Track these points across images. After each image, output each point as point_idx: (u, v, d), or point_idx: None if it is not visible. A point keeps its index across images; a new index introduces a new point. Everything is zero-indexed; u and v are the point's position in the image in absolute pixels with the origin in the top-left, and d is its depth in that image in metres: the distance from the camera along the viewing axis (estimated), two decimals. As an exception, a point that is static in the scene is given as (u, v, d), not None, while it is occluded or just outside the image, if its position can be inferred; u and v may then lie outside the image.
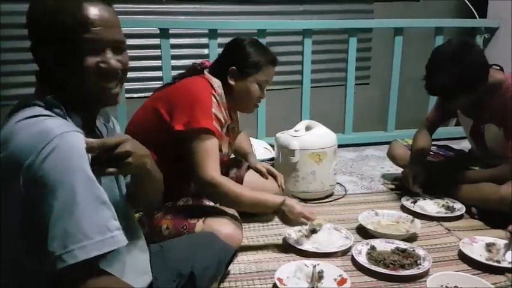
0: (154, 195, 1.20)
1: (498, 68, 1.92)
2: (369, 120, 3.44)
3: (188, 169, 1.56)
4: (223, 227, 1.54)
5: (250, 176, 1.88)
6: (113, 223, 0.86)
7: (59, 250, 0.80)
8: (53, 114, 0.90)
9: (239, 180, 1.84)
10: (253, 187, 1.80)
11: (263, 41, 2.80)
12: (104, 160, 0.89)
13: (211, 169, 1.54)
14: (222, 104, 1.67)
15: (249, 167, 1.91)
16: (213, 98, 1.62)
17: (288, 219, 1.62)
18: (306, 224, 1.67)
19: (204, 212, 1.62)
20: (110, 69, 0.94)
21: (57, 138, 0.83)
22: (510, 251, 1.59)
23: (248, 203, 1.59)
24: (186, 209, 1.64)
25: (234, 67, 1.69)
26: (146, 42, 3.26)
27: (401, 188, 2.23)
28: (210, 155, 1.55)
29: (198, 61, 1.82)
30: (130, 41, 3.12)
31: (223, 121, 1.66)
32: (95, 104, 1.00)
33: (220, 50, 1.84)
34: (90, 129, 1.00)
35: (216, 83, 1.68)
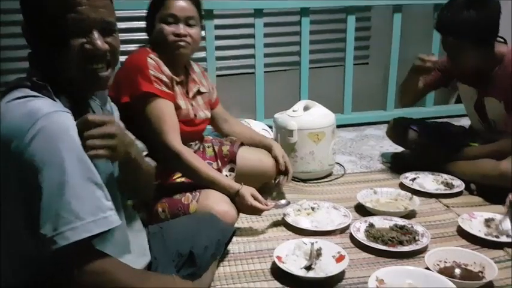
0: (144, 187, 1.19)
1: (502, 40, 1.89)
2: (368, 99, 3.42)
3: None
4: (217, 205, 1.54)
5: (243, 151, 1.86)
6: (105, 203, 0.86)
7: (50, 232, 0.80)
8: (41, 95, 0.88)
9: (232, 156, 1.82)
10: (247, 162, 1.82)
11: (260, 21, 2.78)
12: (85, 137, 0.86)
13: (169, 137, 1.54)
14: (159, 63, 1.59)
15: (242, 144, 1.89)
16: (149, 60, 1.57)
17: (241, 209, 1.63)
18: (260, 215, 1.68)
19: (196, 189, 1.61)
20: (95, 51, 0.92)
21: (43, 118, 0.82)
22: (508, 219, 1.58)
23: (204, 179, 1.57)
24: (179, 188, 1.63)
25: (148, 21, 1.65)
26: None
27: (399, 166, 2.23)
28: (163, 120, 1.54)
29: None
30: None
31: (166, 80, 1.59)
32: (82, 86, 0.97)
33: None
34: (82, 111, 0.98)
35: (149, 45, 1.65)
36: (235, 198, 1.61)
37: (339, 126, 2.97)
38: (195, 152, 1.74)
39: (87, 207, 0.82)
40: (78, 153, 0.83)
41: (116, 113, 1.18)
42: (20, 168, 0.82)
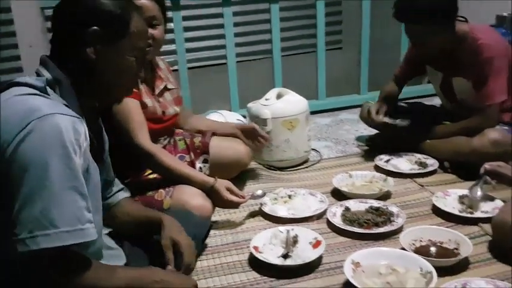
0: None
1: (463, 19, 1.90)
2: (343, 84, 3.42)
3: None
4: (192, 199, 1.52)
5: (215, 141, 1.84)
6: (85, 215, 0.84)
7: (24, 234, 0.78)
8: (44, 94, 0.87)
9: (205, 147, 1.80)
10: (221, 151, 1.79)
11: (228, 10, 2.74)
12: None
13: (138, 136, 1.51)
14: None
15: (213, 134, 1.87)
16: None
17: (216, 204, 1.62)
18: (237, 208, 1.67)
19: (170, 184, 1.58)
20: (139, 76, 1.02)
21: (40, 119, 0.80)
22: (479, 188, 1.60)
23: (177, 177, 1.55)
24: (151, 184, 1.60)
25: None
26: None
27: (375, 148, 2.24)
28: (131, 119, 1.51)
29: None
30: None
31: None
32: (107, 98, 1.02)
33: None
34: (92, 120, 0.98)
35: None
36: (210, 193, 1.58)
37: (314, 113, 2.98)
38: (165, 146, 1.71)
39: (65, 216, 0.80)
40: (66, 160, 0.81)
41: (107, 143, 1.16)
42: (6, 163, 0.80)
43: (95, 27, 0.90)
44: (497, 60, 1.82)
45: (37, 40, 2.74)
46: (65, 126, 0.81)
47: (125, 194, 1.26)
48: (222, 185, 1.59)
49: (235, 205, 1.63)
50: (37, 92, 0.86)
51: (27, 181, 0.78)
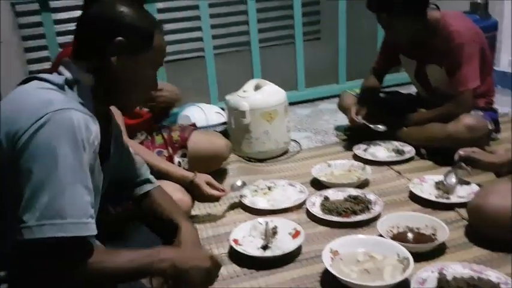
0: None
1: (435, 6, 1.92)
2: (323, 74, 3.42)
3: None
4: (170, 194, 1.49)
5: (194, 135, 1.82)
6: (89, 210, 0.85)
7: (31, 221, 0.80)
8: (60, 90, 0.90)
9: (183, 141, 1.78)
10: (199, 145, 1.78)
11: (204, 1, 2.70)
12: None
13: None
14: None
15: (193, 130, 1.85)
16: None
17: (197, 198, 1.61)
18: (218, 201, 1.66)
19: None
20: (154, 88, 1.05)
21: (56, 112, 0.82)
22: (454, 175, 1.63)
23: (156, 173, 1.47)
24: None
25: None
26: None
27: (354, 137, 2.25)
28: None
29: None
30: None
31: None
32: (120, 106, 1.04)
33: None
34: (102, 125, 0.96)
35: None
36: (189, 188, 1.57)
37: (294, 104, 2.98)
38: (142, 142, 1.69)
39: (73, 208, 0.82)
40: (76, 154, 0.83)
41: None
42: (18, 151, 0.82)
43: (121, 38, 0.94)
44: (468, 47, 1.85)
45: (8, 36, 2.67)
46: (77, 122, 0.84)
47: (150, 186, 1.26)
48: (202, 179, 1.58)
49: (215, 199, 1.62)
50: (55, 87, 0.89)
51: (37, 171, 0.80)
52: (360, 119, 2.09)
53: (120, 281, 0.95)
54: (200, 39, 2.82)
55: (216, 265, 1.04)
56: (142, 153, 1.52)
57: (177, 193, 1.52)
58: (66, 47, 1.59)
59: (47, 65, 2.71)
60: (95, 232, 0.86)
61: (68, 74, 0.93)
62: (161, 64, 1.04)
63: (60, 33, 2.64)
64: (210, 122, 2.33)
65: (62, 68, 0.95)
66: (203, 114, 2.34)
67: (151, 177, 1.27)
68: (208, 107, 2.47)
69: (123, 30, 0.94)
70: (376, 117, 2.12)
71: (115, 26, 0.94)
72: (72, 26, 2.92)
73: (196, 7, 2.76)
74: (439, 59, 1.93)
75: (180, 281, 0.98)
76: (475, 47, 1.86)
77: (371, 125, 2.08)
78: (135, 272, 0.92)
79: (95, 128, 0.89)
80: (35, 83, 0.91)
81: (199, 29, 2.80)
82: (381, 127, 2.09)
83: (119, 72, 0.95)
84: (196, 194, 1.58)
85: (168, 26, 3.19)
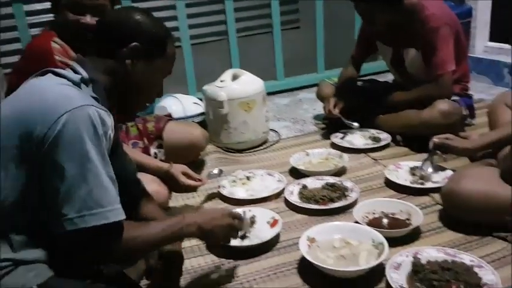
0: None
1: None
2: (302, 63, 3.42)
3: None
4: (146, 185, 1.46)
5: (170, 126, 1.81)
6: (118, 196, 0.92)
7: (72, 213, 0.85)
8: (77, 87, 0.94)
9: (158, 132, 1.76)
10: (175, 136, 1.76)
11: (180, -9, 2.67)
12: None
13: None
14: (65, 47, 1.46)
15: (168, 120, 1.83)
16: (53, 44, 1.44)
17: (174, 189, 1.60)
18: (195, 191, 1.65)
19: None
20: (159, 95, 1.12)
21: (79, 108, 0.87)
22: (430, 162, 1.65)
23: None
24: None
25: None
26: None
27: (332, 125, 2.26)
28: None
29: None
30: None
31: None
32: (127, 108, 1.08)
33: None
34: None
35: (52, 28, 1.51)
36: (166, 179, 1.55)
37: (273, 93, 2.98)
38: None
39: (107, 196, 0.88)
40: (100, 148, 0.89)
41: None
42: (44, 147, 0.85)
43: (137, 43, 1.00)
44: (443, 30, 1.86)
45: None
46: (97, 117, 0.89)
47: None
48: (178, 169, 1.57)
49: (192, 189, 1.60)
50: (70, 84, 0.94)
51: (70, 166, 0.85)
52: (336, 112, 2.09)
53: (156, 248, 1.12)
54: (176, 29, 2.78)
55: (236, 219, 1.15)
56: None
57: (152, 184, 1.50)
58: (34, 39, 1.55)
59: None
60: (124, 216, 0.93)
61: (84, 73, 0.97)
62: (170, 72, 1.10)
63: (32, 25, 2.57)
64: (188, 112, 2.31)
65: (77, 66, 0.99)
66: (180, 105, 2.32)
67: (138, 178, 1.25)
68: (186, 98, 2.45)
69: (139, 36, 1.00)
70: (353, 110, 2.13)
71: (132, 32, 1.01)
72: (44, 18, 2.88)
73: (172, -4, 2.71)
74: (415, 43, 1.95)
75: (208, 239, 1.19)
76: (450, 30, 1.88)
77: (346, 121, 2.10)
78: (169, 238, 1.03)
79: (110, 122, 0.94)
80: (51, 77, 0.96)
81: (175, 18, 2.76)
82: (355, 124, 2.11)
83: (132, 75, 1.01)
84: (173, 184, 1.56)
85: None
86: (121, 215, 0.91)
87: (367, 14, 1.92)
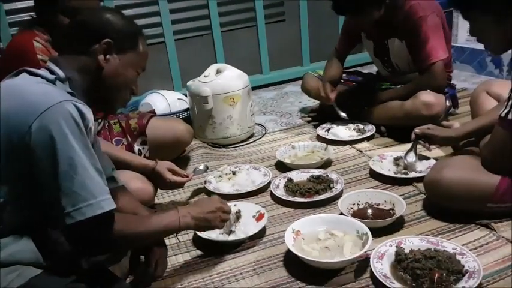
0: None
1: None
2: (288, 56, 3.42)
3: None
4: (130, 183, 1.45)
5: (155, 123, 1.79)
6: (107, 187, 0.95)
7: (68, 208, 0.88)
8: (51, 84, 0.96)
9: (142, 128, 1.75)
10: (158, 132, 1.75)
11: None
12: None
13: None
14: (47, 46, 1.48)
15: (152, 116, 1.82)
16: (35, 43, 1.45)
17: (160, 186, 1.60)
18: (182, 187, 1.66)
19: None
20: (134, 93, 1.14)
21: (59, 104, 0.88)
22: (413, 153, 1.66)
23: (116, 163, 1.46)
24: None
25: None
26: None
27: (317, 118, 2.27)
28: None
29: None
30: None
31: None
32: (102, 104, 1.10)
33: None
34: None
35: (37, 27, 1.52)
36: (151, 176, 1.55)
37: (259, 87, 2.98)
38: (99, 131, 1.65)
39: (98, 187, 0.92)
40: (84, 141, 0.92)
41: None
42: (26, 145, 0.87)
43: (109, 39, 1.03)
44: (431, 18, 1.87)
45: None
46: (76, 111, 0.91)
47: (113, 185, 1.25)
48: (164, 166, 1.56)
49: (179, 185, 1.60)
50: (45, 82, 0.96)
51: (59, 162, 0.87)
52: (333, 97, 2.09)
53: (154, 240, 1.17)
54: (159, 24, 2.76)
55: (224, 203, 1.25)
56: (102, 146, 1.49)
57: (137, 182, 1.50)
58: (15, 37, 1.53)
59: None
60: (114, 205, 0.96)
61: (60, 72, 0.99)
62: (144, 68, 1.13)
63: (12, 24, 2.53)
64: (173, 109, 2.29)
65: (51, 65, 1.01)
66: (165, 102, 2.30)
67: (115, 175, 1.26)
68: (171, 94, 2.43)
69: (110, 32, 1.04)
70: (342, 105, 2.15)
71: (103, 28, 1.04)
72: (24, 16, 2.83)
73: (154, -9, 2.68)
74: (400, 34, 1.96)
75: (203, 229, 1.26)
76: (437, 18, 1.89)
77: (337, 108, 2.11)
78: (168, 229, 1.11)
79: (90, 115, 0.96)
80: (26, 77, 0.98)
81: (157, 14, 2.73)
82: (343, 114, 2.12)
83: (105, 71, 1.04)
84: (159, 181, 1.56)
85: (125, 12, 3.09)
86: (113, 204, 0.94)
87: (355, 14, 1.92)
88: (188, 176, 1.61)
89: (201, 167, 1.73)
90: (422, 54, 1.89)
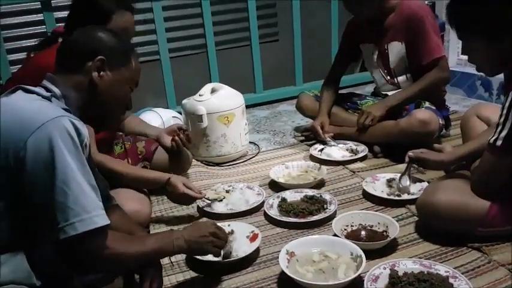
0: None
1: None
2: (282, 76, 3.45)
3: None
4: (126, 204, 1.45)
5: (161, 154, 1.82)
6: (101, 203, 0.96)
7: (61, 223, 0.89)
8: (50, 100, 0.99)
9: (148, 154, 1.78)
10: (165, 165, 1.79)
11: (158, 4, 2.67)
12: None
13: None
14: None
15: (158, 145, 1.84)
16: None
17: (172, 198, 1.62)
18: (192, 204, 1.68)
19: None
20: (128, 108, 1.17)
21: (54, 120, 0.90)
22: (406, 176, 1.68)
23: (131, 180, 1.55)
24: None
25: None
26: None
27: (311, 138, 2.28)
28: None
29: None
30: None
31: None
32: (97, 121, 1.13)
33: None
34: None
35: None
36: (166, 187, 1.58)
37: (252, 106, 2.99)
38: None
39: (91, 203, 0.93)
40: (79, 157, 0.93)
41: None
42: (21, 161, 0.88)
43: (102, 57, 1.06)
44: (428, 19, 1.96)
45: None
46: (71, 127, 0.93)
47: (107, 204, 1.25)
48: (179, 179, 1.61)
49: (189, 200, 1.62)
50: (41, 99, 0.98)
51: (52, 176, 0.88)
52: (326, 136, 2.14)
53: (147, 261, 1.15)
54: (155, 42, 2.78)
55: (219, 228, 1.25)
56: (115, 164, 1.54)
57: (133, 203, 1.50)
58: (42, 53, 1.53)
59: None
60: (108, 222, 0.97)
61: (55, 89, 1.02)
62: (137, 84, 1.16)
63: (7, 39, 2.54)
64: (167, 126, 2.30)
65: (47, 83, 1.04)
66: (160, 119, 2.31)
67: (109, 194, 1.27)
68: (165, 112, 2.44)
69: (103, 50, 1.07)
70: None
71: (97, 46, 1.07)
72: (20, 32, 2.85)
73: (150, 10, 2.71)
74: (399, 35, 2.02)
75: (195, 252, 1.26)
76: (434, 20, 1.99)
77: (330, 141, 2.14)
78: (162, 250, 1.11)
79: (85, 131, 0.98)
80: (22, 94, 1.00)
81: (153, 32, 2.76)
82: (334, 143, 2.14)
83: (99, 87, 1.06)
84: (172, 193, 1.60)
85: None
86: (107, 220, 0.95)
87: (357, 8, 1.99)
88: (201, 193, 1.63)
89: (211, 196, 1.73)
90: (427, 50, 1.97)
